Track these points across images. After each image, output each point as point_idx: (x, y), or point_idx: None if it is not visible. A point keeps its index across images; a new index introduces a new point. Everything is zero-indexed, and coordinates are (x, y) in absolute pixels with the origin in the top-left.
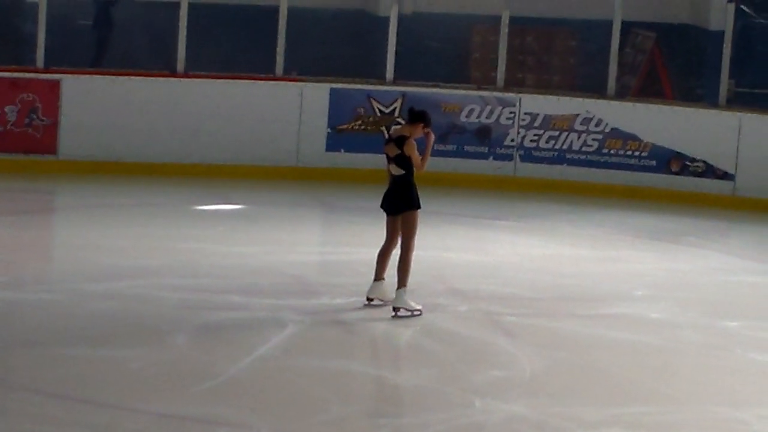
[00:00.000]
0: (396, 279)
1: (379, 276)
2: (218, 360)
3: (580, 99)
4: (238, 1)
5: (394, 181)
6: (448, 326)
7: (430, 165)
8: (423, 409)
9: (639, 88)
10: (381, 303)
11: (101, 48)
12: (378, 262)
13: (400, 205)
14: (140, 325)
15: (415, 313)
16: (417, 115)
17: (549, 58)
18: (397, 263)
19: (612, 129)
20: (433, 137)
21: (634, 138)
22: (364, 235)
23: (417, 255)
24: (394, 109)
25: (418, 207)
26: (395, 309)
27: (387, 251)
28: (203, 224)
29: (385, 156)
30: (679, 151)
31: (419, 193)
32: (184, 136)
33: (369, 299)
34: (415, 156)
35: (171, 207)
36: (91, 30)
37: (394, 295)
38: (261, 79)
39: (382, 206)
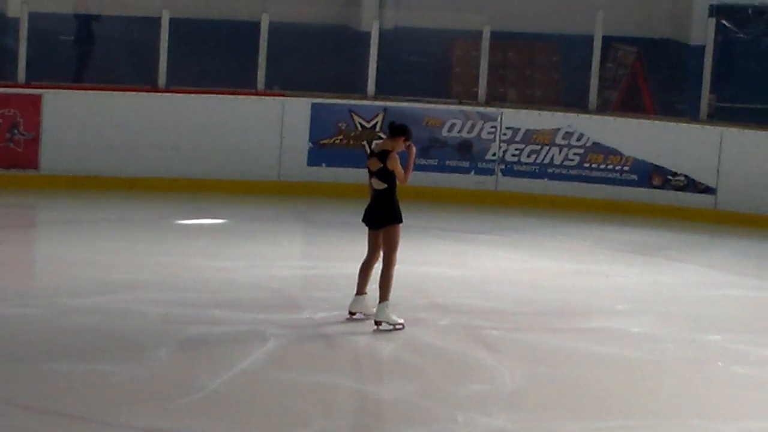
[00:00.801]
0: (378, 293)
1: (360, 290)
2: (200, 374)
3: (562, 113)
4: (220, 16)
5: (377, 195)
6: (430, 340)
7: (411, 179)
8: (405, 423)
9: (620, 103)
10: (363, 317)
11: (83, 63)
12: (360, 276)
13: (382, 219)
14: (122, 339)
15: (397, 327)
16: (398, 129)
17: (530, 73)
18: (378, 277)
19: (593, 143)
20: (414, 150)
21: (615, 152)
22: (346, 249)
23: (398, 269)
24: (376, 124)
25: (400, 221)
26: (377, 323)
27: (369, 265)
28: (185, 239)
29: (366, 170)
30: (660, 165)
31: (401, 207)
32: (165, 150)
33: (351, 313)
34: (398, 170)
35: (153, 221)
36: (72, 45)
37: (375, 309)
38: (243, 94)
39: (363, 220)
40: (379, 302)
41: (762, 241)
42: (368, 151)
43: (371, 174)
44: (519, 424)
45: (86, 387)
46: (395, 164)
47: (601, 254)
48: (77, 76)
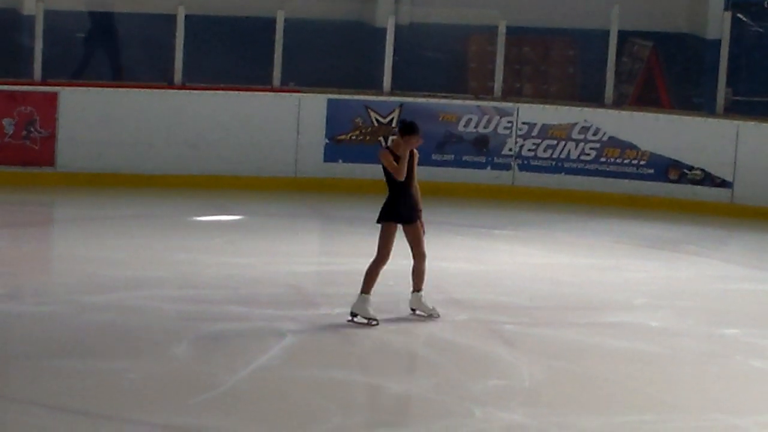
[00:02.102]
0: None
1: (413, 287)
2: (217, 371)
3: (578, 108)
4: (235, 12)
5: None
6: (447, 336)
7: (429, 174)
8: (422, 418)
9: (636, 97)
10: (422, 315)
11: (111, 60)
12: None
13: (379, 215)
14: (139, 336)
15: (372, 323)
16: (404, 128)
17: (546, 68)
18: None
19: (610, 137)
20: (409, 154)
21: (631, 146)
22: (363, 245)
23: None
24: (392, 120)
25: (387, 220)
26: (353, 315)
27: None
28: (201, 235)
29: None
30: (676, 159)
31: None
32: (181, 147)
33: (412, 310)
34: (391, 165)
35: (169, 218)
36: (86, 42)
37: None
38: (258, 90)
39: None
40: (360, 293)
41: None
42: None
43: None
44: (536, 419)
45: (104, 384)
46: (383, 158)
47: (618, 249)
48: (116, 74)
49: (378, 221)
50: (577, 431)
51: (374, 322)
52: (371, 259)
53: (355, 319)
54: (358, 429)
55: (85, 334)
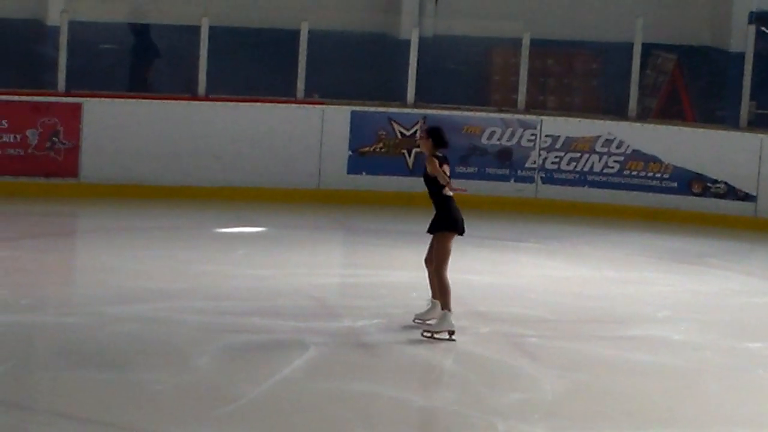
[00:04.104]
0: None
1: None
2: (241, 382)
3: (601, 121)
4: (259, 24)
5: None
6: (471, 349)
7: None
8: (445, 431)
9: (660, 110)
10: (420, 322)
11: (143, 72)
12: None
13: (431, 225)
14: (162, 348)
15: (452, 337)
16: (428, 132)
17: (570, 80)
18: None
19: (633, 151)
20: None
21: (655, 160)
22: (386, 257)
23: None
24: (416, 132)
25: (447, 229)
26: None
27: (427, 270)
28: (225, 247)
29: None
30: (700, 172)
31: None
32: (205, 158)
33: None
34: (436, 171)
35: (192, 230)
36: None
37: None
38: (282, 102)
39: None
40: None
41: None
42: (409, 160)
43: None
44: None
45: (127, 396)
46: (430, 164)
47: (642, 262)
48: (134, 86)
49: (432, 231)
50: None
51: (452, 336)
52: (435, 275)
53: (436, 336)
54: None
55: (108, 346)
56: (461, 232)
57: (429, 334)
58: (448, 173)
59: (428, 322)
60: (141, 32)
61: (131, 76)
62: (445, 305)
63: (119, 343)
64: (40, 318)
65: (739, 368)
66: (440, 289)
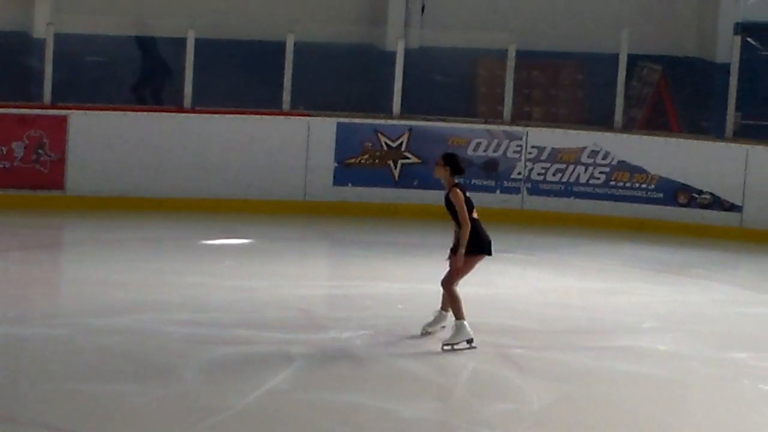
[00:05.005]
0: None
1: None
2: (226, 394)
3: (587, 132)
4: (245, 36)
5: None
6: (457, 359)
7: (439, 198)
8: None
9: (646, 121)
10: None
11: (156, 85)
12: None
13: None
14: (148, 359)
15: (472, 345)
16: (445, 159)
17: (556, 92)
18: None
19: (619, 161)
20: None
21: (641, 170)
22: (372, 269)
23: (424, 288)
24: (401, 143)
25: (471, 252)
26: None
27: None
28: (210, 259)
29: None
30: (686, 183)
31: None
32: (191, 170)
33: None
34: (461, 208)
35: (178, 242)
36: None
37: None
38: (268, 114)
39: None
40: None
41: None
42: (394, 171)
43: None
44: None
45: (112, 408)
46: (455, 198)
47: (627, 273)
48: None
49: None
50: None
51: (472, 344)
52: (444, 286)
53: (455, 347)
54: None
55: (93, 357)
56: (489, 252)
57: (449, 347)
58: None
59: (429, 330)
60: (150, 48)
61: (137, 91)
62: (459, 315)
63: (104, 354)
64: (26, 330)
65: (724, 378)
66: (450, 301)
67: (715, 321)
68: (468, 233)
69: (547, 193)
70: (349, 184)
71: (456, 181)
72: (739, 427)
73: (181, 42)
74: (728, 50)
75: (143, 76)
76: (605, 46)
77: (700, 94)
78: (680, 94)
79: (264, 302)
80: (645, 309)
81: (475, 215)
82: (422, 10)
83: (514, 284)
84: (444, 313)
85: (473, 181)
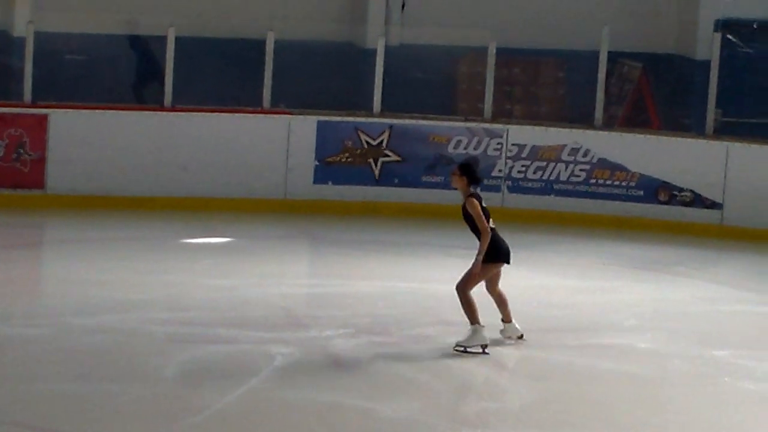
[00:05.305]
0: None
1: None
2: (207, 393)
3: (568, 129)
4: (225, 34)
5: None
6: (438, 358)
7: (419, 196)
8: None
9: (626, 118)
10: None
11: (145, 84)
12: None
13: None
14: (128, 358)
15: (485, 351)
16: (462, 169)
17: (536, 89)
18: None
19: (599, 159)
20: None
21: (621, 168)
22: (353, 267)
23: (406, 286)
24: (382, 141)
25: (489, 261)
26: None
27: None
28: (191, 257)
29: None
30: (666, 180)
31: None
32: (171, 169)
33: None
34: (478, 216)
35: (159, 240)
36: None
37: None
38: (248, 112)
39: None
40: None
41: None
42: (375, 169)
43: None
44: None
45: (93, 407)
46: (471, 207)
47: (608, 270)
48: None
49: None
50: None
51: (486, 350)
52: (459, 291)
53: (469, 349)
54: None
55: (74, 357)
56: (508, 261)
57: (462, 349)
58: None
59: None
60: (144, 47)
61: (137, 90)
62: (474, 320)
63: (85, 354)
64: (6, 329)
65: (705, 376)
66: (465, 306)
67: (695, 319)
68: (488, 241)
69: (528, 191)
70: (330, 183)
71: (472, 190)
72: (718, 424)
73: (162, 40)
74: (708, 47)
75: (140, 75)
76: (586, 44)
77: (680, 92)
78: (661, 91)
79: (245, 301)
80: (626, 307)
81: (492, 224)
82: (402, 8)
83: None
84: (507, 324)
85: None
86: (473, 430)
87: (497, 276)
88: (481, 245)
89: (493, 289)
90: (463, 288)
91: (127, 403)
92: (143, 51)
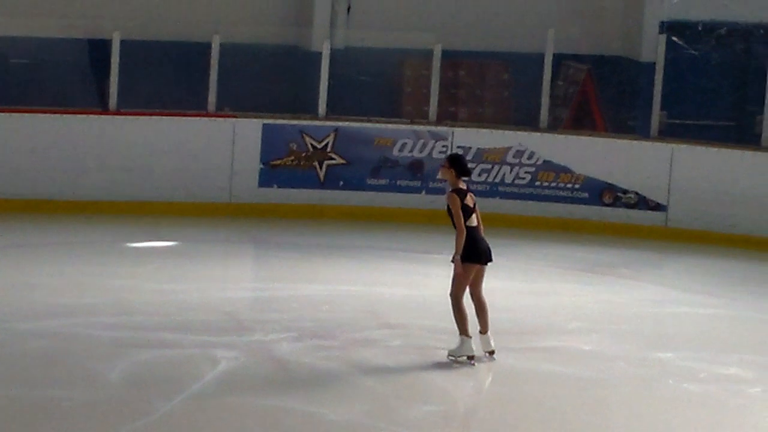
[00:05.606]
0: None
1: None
2: (152, 398)
3: (513, 132)
4: (170, 37)
5: None
6: (382, 361)
7: (364, 199)
8: None
9: (571, 121)
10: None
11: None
12: None
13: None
14: (73, 363)
15: (471, 362)
16: (450, 161)
17: (481, 92)
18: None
19: (544, 161)
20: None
21: (566, 170)
22: (297, 271)
23: (350, 290)
24: (327, 144)
25: (467, 260)
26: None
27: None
28: (135, 261)
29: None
30: (611, 182)
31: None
32: (116, 173)
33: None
34: (456, 211)
35: (103, 245)
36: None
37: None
38: (193, 116)
39: None
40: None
41: (713, 258)
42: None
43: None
44: None
45: (37, 413)
46: (450, 202)
47: (553, 273)
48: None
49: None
50: None
51: (472, 361)
52: (451, 301)
53: (458, 359)
54: None
55: (18, 362)
56: (485, 262)
57: (453, 358)
58: (473, 204)
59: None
60: (100, 49)
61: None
62: (464, 331)
63: (29, 359)
64: None
65: (649, 378)
66: (457, 314)
67: (640, 321)
68: (462, 240)
69: (473, 193)
70: (275, 186)
71: (460, 185)
72: (662, 426)
73: (107, 43)
74: (653, 49)
75: (101, 79)
76: (531, 46)
77: (625, 93)
78: (606, 93)
79: (189, 305)
80: (570, 309)
81: (474, 222)
82: (348, 11)
83: (438, 285)
84: (482, 336)
85: (399, 182)
86: None
87: (480, 277)
88: (456, 244)
89: (475, 290)
90: (456, 294)
91: (72, 407)
92: (103, 54)
